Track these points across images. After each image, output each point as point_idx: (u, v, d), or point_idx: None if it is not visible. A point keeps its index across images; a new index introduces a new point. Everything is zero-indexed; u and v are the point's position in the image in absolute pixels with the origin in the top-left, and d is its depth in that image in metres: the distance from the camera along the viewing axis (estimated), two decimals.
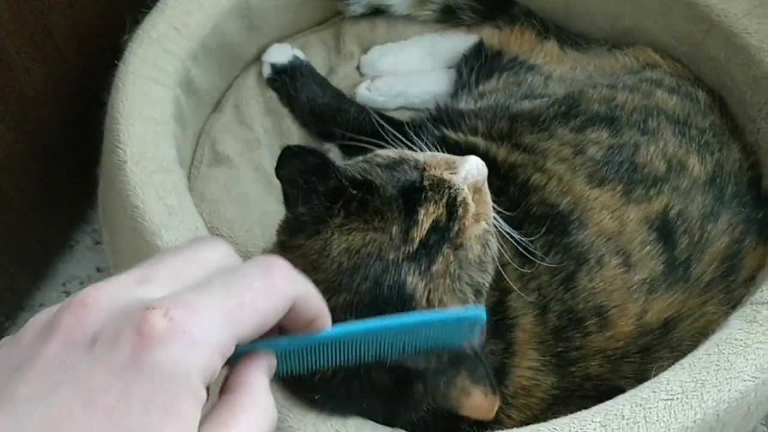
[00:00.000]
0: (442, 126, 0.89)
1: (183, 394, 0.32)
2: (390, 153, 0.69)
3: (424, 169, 0.65)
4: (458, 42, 1.08)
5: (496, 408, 0.61)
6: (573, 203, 0.77)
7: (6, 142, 0.90)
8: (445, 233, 0.62)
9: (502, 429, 0.66)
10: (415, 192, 0.63)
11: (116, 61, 0.88)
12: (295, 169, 0.64)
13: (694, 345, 0.71)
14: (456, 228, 0.63)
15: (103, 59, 0.88)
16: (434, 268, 0.61)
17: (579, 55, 1.02)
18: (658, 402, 0.63)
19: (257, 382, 0.37)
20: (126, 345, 0.31)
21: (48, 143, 0.98)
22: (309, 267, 0.61)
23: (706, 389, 0.63)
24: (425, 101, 1.05)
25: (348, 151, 0.99)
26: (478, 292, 0.64)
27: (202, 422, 0.34)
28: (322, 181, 0.63)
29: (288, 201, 0.66)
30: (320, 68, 1.07)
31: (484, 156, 0.83)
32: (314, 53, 1.10)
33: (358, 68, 1.09)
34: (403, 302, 0.59)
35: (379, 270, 0.59)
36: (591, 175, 0.79)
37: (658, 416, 0.62)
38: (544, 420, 0.64)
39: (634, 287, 0.72)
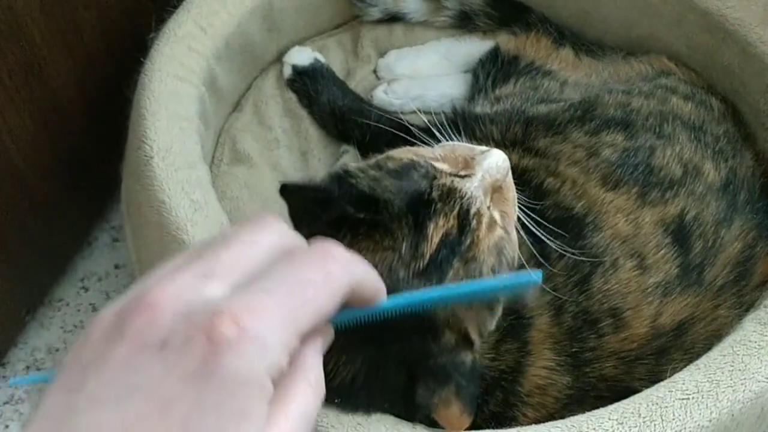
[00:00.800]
0: (456, 133, 0.90)
1: (254, 397, 0.33)
2: (402, 155, 0.66)
3: (435, 177, 0.62)
4: (475, 47, 1.09)
5: (465, 426, 0.61)
6: (587, 206, 0.78)
7: (33, 136, 0.91)
8: (456, 247, 0.60)
9: (518, 426, 0.67)
10: (424, 204, 0.60)
11: (142, 59, 0.89)
12: (296, 201, 0.64)
13: (706, 348, 0.72)
14: (468, 241, 0.60)
15: (129, 57, 0.90)
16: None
17: (594, 62, 1.03)
18: (674, 401, 0.63)
19: (311, 361, 0.38)
20: (196, 351, 0.32)
21: (71, 139, 1.00)
22: None
23: (721, 389, 0.64)
24: (442, 105, 1.06)
25: (365, 152, 1.00)
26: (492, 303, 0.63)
27: None
28: (326, 211, 0.61)
29: (293, 220, 0.66)
30: (338, 71, 1.09)
31: None
32: (332, 56, 1.11)
33: (375, 71, 1.11)
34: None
35: (390, 288, 0.57)
36: (605, 178, 0.79)
37: (674, 415, 0.63)
38: (560, 419, 0.65)
39: (649, 290, 0.73)
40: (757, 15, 0.92)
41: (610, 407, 0.64)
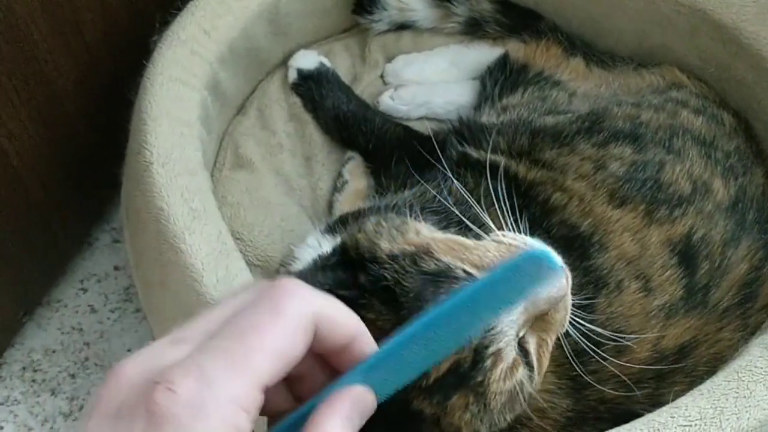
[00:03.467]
0: (464, 142, 0.89)
1: None
2: (445, 254, 0.56)
3: None
4: (483, 54, 1.08)
5: None
6: (594, 225, 0.76)
7: (32, 138, 0.90)
8: (465, 380, 0.52)
9: None
10: None
11: (144, 62, 0.88)
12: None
13: (708, 370, 0.71)
14: (479, 378, 0.52)
15: (131, 59, 0.89)
16: (449, 402, 0.53)
17: (604, 72, 1.02)
18: (676, 427, 0.63)
19: (328, 428, 0.37)
20: (140, 423, 0.33)
21: (72, 140, 0.99)
22: None
23: (725, 416, 0.63)
24: (448, 112, 1.05)
25: (370, 158, 0.99)
26: (494, 425, 0.57)
27: None
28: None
29: None
30: (344, 76, 1.08)
31: (505, 173, 0.83)
32: (339, 60, 1.10)
33: (382, 77, 1.09)
34: (411, 420, 0.53)
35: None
36: (612, 194, 0.78)
37: None
38: None
39: (653, 313, 0.72)
40: None
41: None
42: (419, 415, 0.53)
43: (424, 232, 0.60)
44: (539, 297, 0.54)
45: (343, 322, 0.39)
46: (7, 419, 1.02)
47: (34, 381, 1.05)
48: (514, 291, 0.44)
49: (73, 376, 1.05)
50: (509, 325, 0.53)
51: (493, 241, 0.58)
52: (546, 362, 0.58)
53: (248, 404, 0.34)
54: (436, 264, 0.54)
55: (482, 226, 0.64)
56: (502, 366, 0.53)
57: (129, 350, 1.07)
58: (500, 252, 0.57)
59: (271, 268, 0.87)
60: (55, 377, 1.05)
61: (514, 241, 0.58)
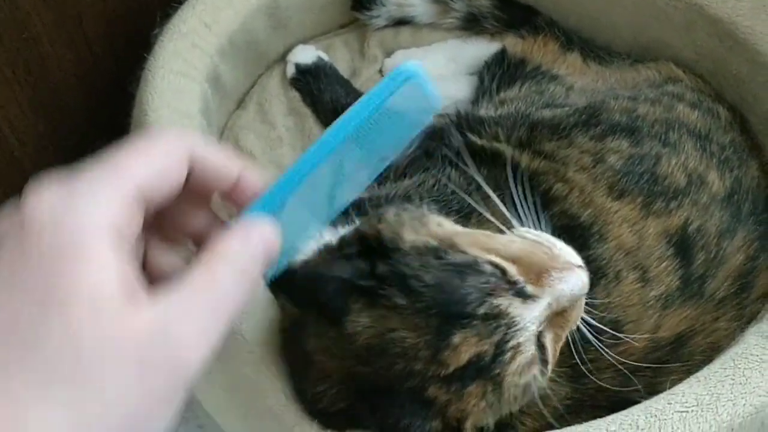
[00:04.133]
0: (466, 131, 0.89)
1: (84, 241, 0.34)
2: (471, 246, 0.57)
3: (491, 293, 0.54)
4: (481, 49, 1.08)
5: None
6: (594, 216, 0.77)
7: (35, 129, 0.91)
8: (483, 372, 0.54)
9: None
10: (461, 315, 0.53)
11: (145, 54, 0.89)
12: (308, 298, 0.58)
13: (704, 360, 0.71)
14: (497, 371, 0.54)
15: (132, 52, 0.89)
16: (465, 390, 0.55)
17: (601, 68, 1.02)
18: (672, 414, 0.63)
19: (236, 248, 0.39)
20: (13, 235, 0.35)
21: (72, 132, 0.99)
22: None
23: (721, 403, 0.64)
24: (446, 106, 1.05)
25: None
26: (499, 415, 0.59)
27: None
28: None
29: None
30: (344, 70, 1.08)
31: (510, 161, 0.83)
32: (338, 55, 1.11)
33: (381, 72, 1.10)
34: (420, 405, 0.55)
35: (404, 373, 0.54)
36: (611, 186, 0.79)
37: (672, 428, 0.62)
38: (558, 427, 0.65)
39: (650, 303, 0.72)
40: None
41: (608, 418, 0.64)
42: (431, 402, 0.54)
43: (446, 224, 0.60)
44: (563, 295, 0.55)
45: (214, 152, 0.41)
46: None
47: None
48: (405, 113, 0.47)
49: None
50: (531, 321, 0.54)
51: (517, 236, 0.59)
52: (557, 355, 0.60)
53: (122, 201, 0.36)
54: (462, 256, 0.54)
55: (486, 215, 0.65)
56: (520, 360, 0.54)
57: None
58: (525, 246, 0.57)
59: None
60: None
61: (538, 238, 0.59)
